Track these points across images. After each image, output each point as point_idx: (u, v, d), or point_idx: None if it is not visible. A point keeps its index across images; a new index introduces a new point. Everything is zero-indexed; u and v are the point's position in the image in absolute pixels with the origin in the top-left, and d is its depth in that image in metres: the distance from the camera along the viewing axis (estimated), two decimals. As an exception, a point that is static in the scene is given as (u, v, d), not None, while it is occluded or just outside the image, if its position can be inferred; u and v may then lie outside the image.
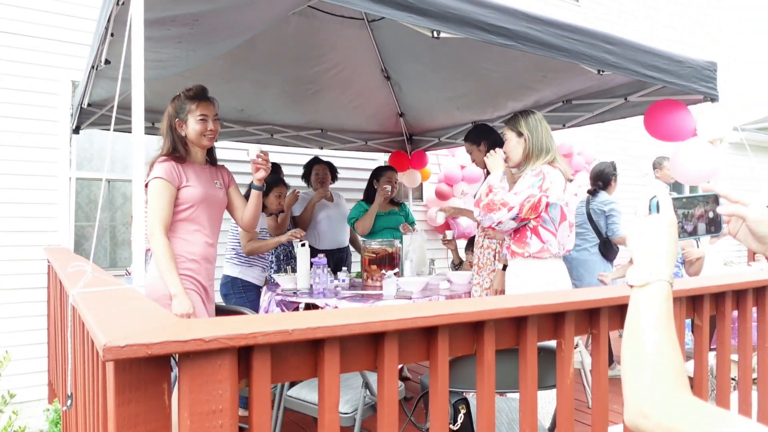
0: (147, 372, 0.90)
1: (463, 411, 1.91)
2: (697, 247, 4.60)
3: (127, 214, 4.62)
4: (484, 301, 1.21)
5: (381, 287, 3.01)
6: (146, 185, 2.26)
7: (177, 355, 0.89)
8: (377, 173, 4.06)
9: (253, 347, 0.93)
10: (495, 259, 3.04)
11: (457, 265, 4.03)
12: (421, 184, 5.72)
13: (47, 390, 3.74)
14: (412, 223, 4.06)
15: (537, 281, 2.50)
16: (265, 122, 4.51)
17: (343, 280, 3.21)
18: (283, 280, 3.20)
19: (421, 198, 6.01)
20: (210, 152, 2.52)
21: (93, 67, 2.62)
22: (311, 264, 3.08)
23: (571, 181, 2.57)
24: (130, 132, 4.18)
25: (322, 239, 4.14)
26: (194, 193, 2.34)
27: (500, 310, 1.20)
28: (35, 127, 4.04)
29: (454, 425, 1.93)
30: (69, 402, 1.34)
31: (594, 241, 3.94)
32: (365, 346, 1.07)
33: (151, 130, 4.13)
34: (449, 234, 3.80)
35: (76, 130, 3.86)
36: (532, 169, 2.52)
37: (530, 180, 2.47)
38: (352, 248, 4.52)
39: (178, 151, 2.38)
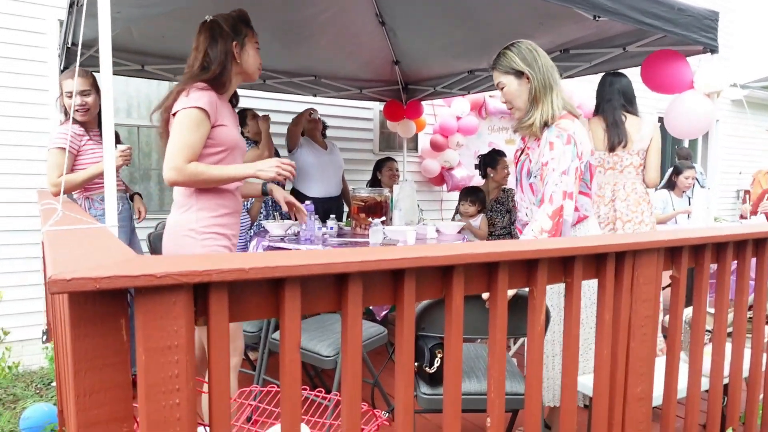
0: (102, 307, 0.89)
1: (440, 355, 1.94)
2: (689, 204, 4.60)
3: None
4: (453, 246, 1.19)
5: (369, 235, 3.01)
6: (174, 114, 1.90)
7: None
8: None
9: (209, 285, 0.92)
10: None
11: None
12: (416, 135, 5.65)
13: (46, 329, 3.82)
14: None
15: None
16: (257, 67, 4.40)
17: (331, 228, 3.21)
18: (272, 227, 3.20)
19: (416, 149, 5.95)
20: (235, 92, 2.17)
21: (72, 3, 2.53)
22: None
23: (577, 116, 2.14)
24: (116, 75, 4.07)
25: (312, 187, 4.11)
26: (229, 135, 2.00)
27: (470, 255, 1.18)
28: (24, 68, 3.96)
29: (430, 368, 1.96)
30: (44, 337, 1.34)
31: None
32: (328, 288, 1.07)
33: (140, 73, 4.06)
34: None
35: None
36: (558, 134, 2.01)
37: (563, 149, 1.99)
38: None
39: (222, 79, 1.98)
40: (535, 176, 2.09)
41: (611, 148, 3.04)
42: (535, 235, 1.96)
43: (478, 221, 3.96)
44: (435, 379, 1.95)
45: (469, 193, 4.07)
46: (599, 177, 3.10)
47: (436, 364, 1.93)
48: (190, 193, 1.97)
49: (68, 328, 0.89)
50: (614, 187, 3.06)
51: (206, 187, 1.95)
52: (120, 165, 2.73)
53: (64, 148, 2.79)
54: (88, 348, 0.89)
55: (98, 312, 0.89)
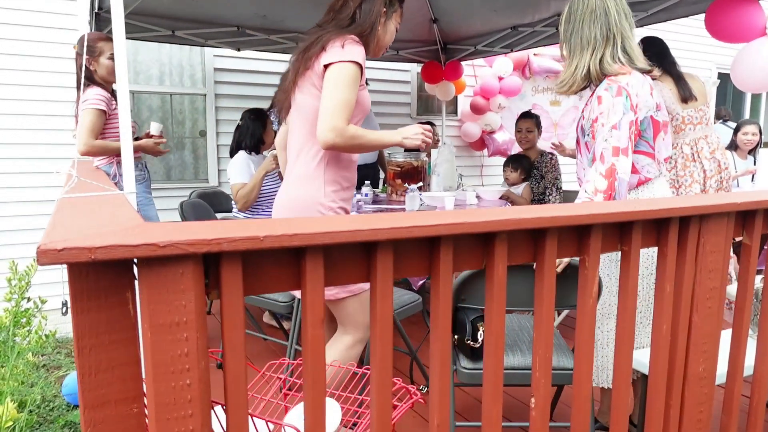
0: (105, 279, 0.81)
1: (482, 329, 1.83)
2: (754, 164, 4.28)
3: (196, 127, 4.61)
4: (495, 211, 1.06)
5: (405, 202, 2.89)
6: (326, 66, 1.69)
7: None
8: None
9: (221, 255, 0.83)
10: None
11: None
12: (456, 97, 5.44)
13: (65, 300, 3.87)
14: None
15: None
16: (290, 29, 4.27)
17: (366, 195, 3.10)
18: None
19: (455, 112, 5.74)
20: None
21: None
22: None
23: (650, 72, 1.95)
24: (147, 41, 4.02)
25: (348, 153, 4.01)
26: (368, 99, 1.82)
27: (514, 220, 1.05)
28: (54, 36, 3.94)
29: (474, 343, 1.85)
30: (64, 309, 1.30)
31: None
32: (354, 257, 0.96)
33: (171, 39, 3.99)
34: None
35: (95, 39, 3.73)
36: (608, 87, 1.84)
37: (612, 101, 1.81)
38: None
39: (366, 40, 1.80)
40: (588, 134, 1.92)
41: (684, 101, 2.94)
42: (589, 196, 1.79)
43: (521, 189, 3.80)
44: (477, 354, 1.85)
45: (511, 160, 3.97)
46: (691, 133, 2.97)
47: (480, 338, 1.82)
48: (318, 162, 1.75)
49: (70, 302, 0.82)
50: (707, 140, 2.99)
51: (350, 153, 1.77)
52: (157, 154, 3.01)
53: (103, 110, 2.83)
54: (91, 324, 0.81)
55: (101, 285, 0.81)
